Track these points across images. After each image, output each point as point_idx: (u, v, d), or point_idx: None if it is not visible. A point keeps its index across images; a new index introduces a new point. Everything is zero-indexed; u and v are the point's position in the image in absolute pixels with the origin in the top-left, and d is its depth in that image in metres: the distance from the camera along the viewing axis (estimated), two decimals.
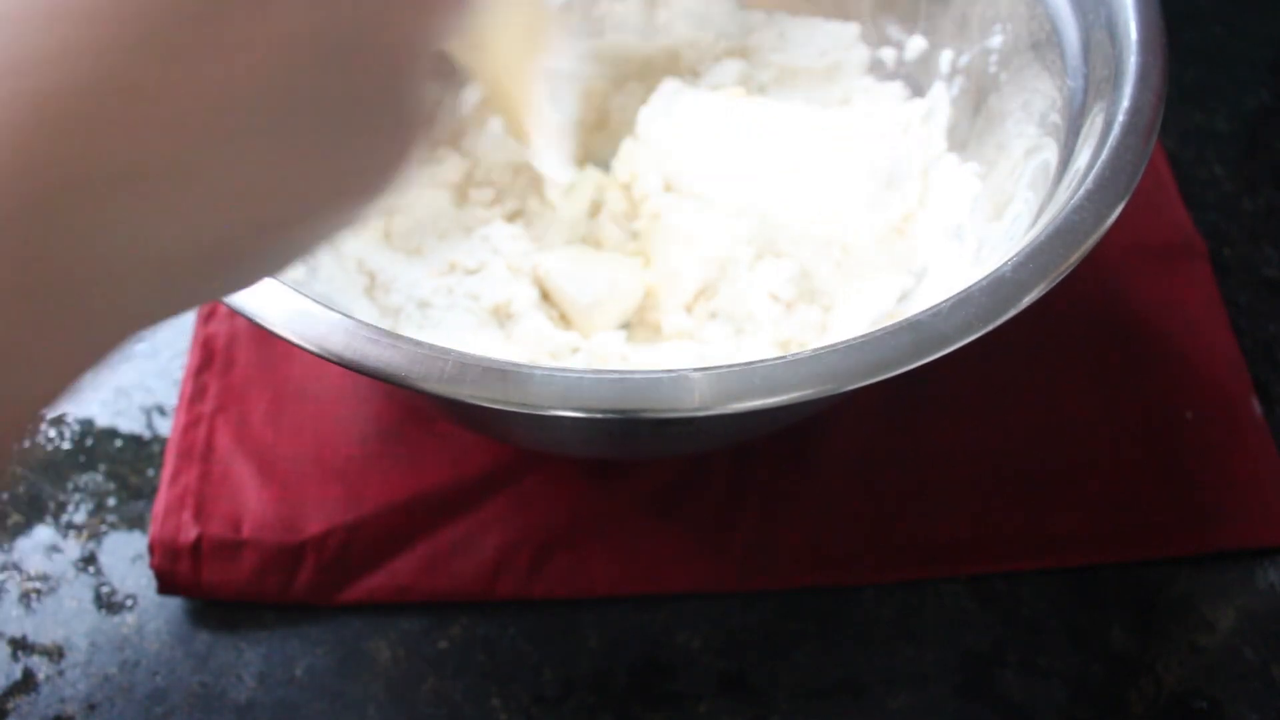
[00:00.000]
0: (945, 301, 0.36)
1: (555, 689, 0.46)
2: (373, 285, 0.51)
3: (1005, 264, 0.37)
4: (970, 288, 0.36)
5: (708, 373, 0.34)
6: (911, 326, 0.35)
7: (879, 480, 0.50)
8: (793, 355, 0.35)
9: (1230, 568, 0.49)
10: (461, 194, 0.56)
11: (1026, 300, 0.36)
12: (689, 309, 0.52)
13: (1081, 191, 0.38)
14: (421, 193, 0.55)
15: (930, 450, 0.51)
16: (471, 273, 0.52)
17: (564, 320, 0.52)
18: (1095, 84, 0.43)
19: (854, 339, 0.35)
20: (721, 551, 0.48)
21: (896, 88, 0.57)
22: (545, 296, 0.52)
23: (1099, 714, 0.45)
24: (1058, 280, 0.36)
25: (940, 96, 0.55)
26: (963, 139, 0.54)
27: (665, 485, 0.50)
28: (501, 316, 0.51)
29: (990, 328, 0.35)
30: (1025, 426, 0.52)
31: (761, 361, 0.34)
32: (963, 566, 0.49)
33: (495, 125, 0.56)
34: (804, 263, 0.52)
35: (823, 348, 0.35)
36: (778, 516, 0.49)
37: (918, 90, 0.57)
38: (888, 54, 0.58)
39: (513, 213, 0.56)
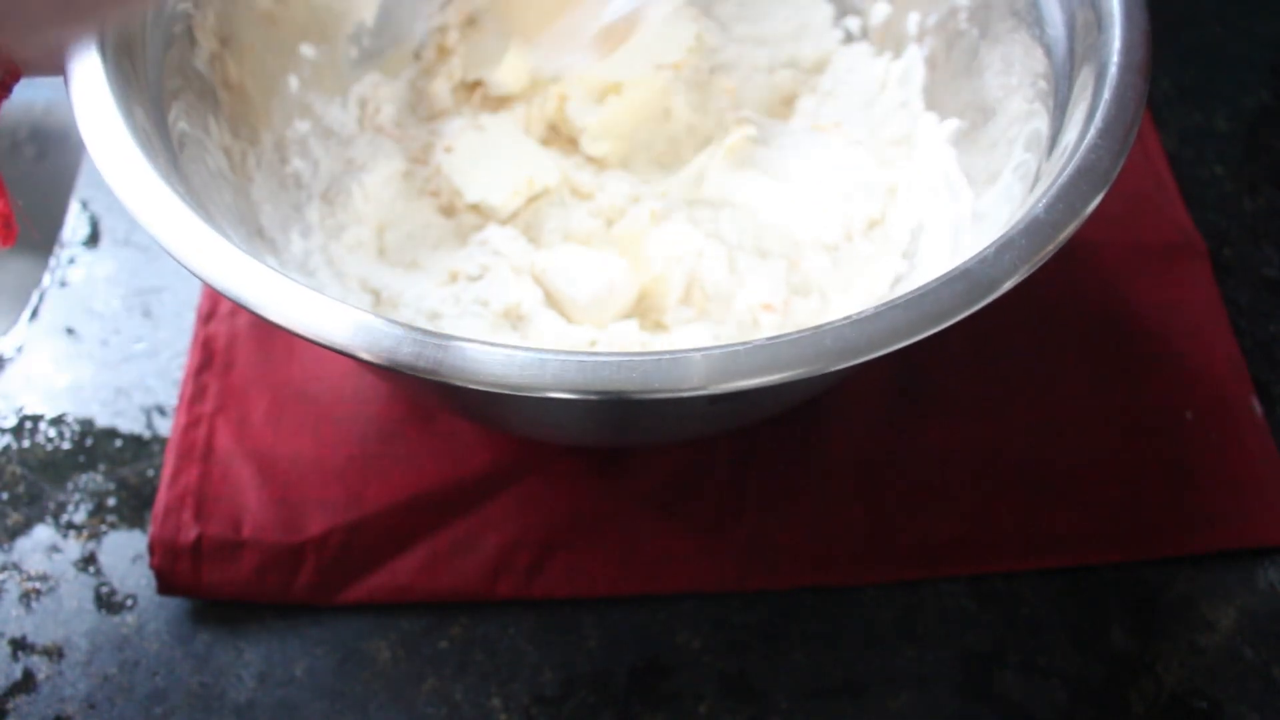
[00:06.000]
0: (988, 247, 0.37)
1: (555, 689, 0.46)
2: (379, 302, 0.51)
3: (1037, 205, 0.38)
4: (1009, 232, 0.37)
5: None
6: (963, 275, 0.36)
7: (879, 480, 0.50)
8: (865, 311, 0.35)
9: (1230, 568, 0.49)
10: (449, 210, 0.56)
11: (1063, 237, 0.37)
12: (686, 303, 0.52)
13: (1092, 131, 0.39)
14: (408, 204, 0.55)
15: (930, 450, 0.51)
16: (475, 279, 0.52)
17: (564, 319, 0.52)
18: (1080, 51, 0.44)
19: (907, 294, 0.36)
20: (721, 551, 0.48)
21: (864, 48, 0.58)
22: (548, 295, 0.52)
23: (1099, 714, 0.45)
24: (1087, 217, 0.37)
25: (914, 57, 0.56)
26: (941, 98, 0.54)
27: (665, 485, 0.50)
28: (513, 319, 0.51)
29: (1035, 267, 0.36)
30: (1025, 426, 0.52)
31: (830, 324, 0.35)
32: (963, 566, 0.49)
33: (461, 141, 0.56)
34: (792, 259, 0.53)
35: (887, 302, 0.35)
36: (778, 516, 0.49)
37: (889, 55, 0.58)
38: (853, 22, 0.59)
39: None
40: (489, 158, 0.55)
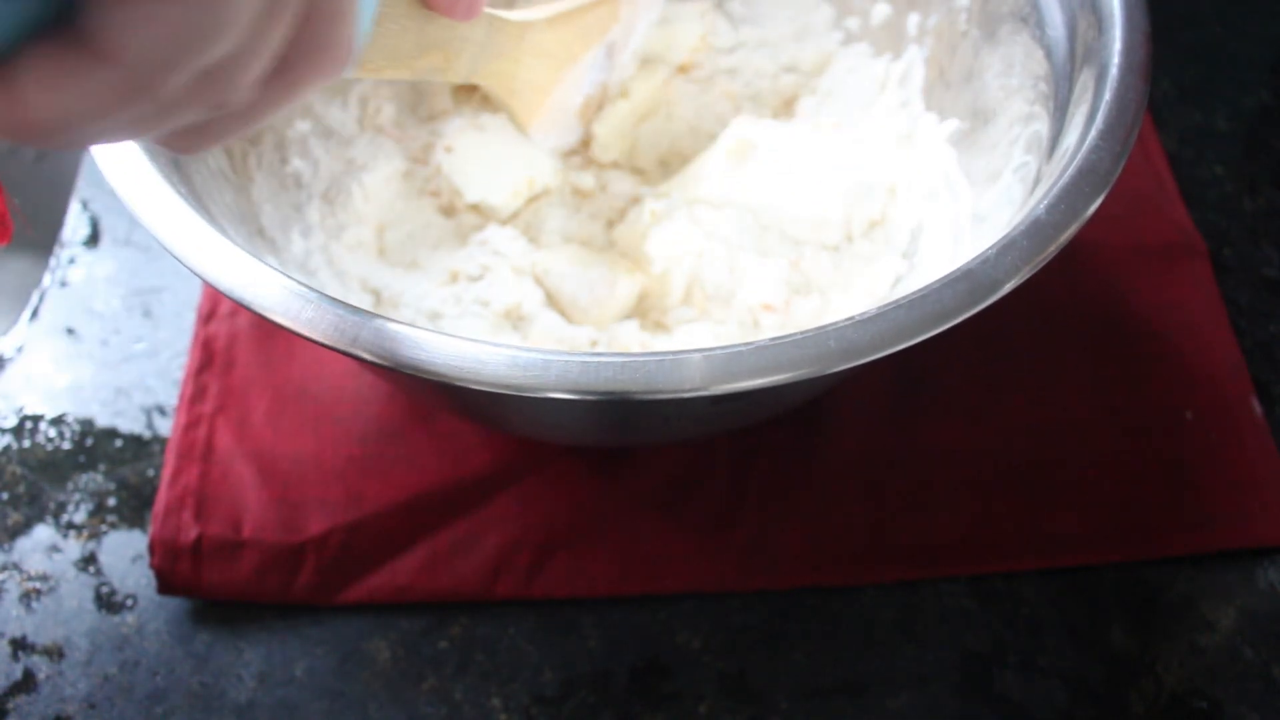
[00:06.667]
0: (990, 248, 0.37)
1: (555, 689, 0.46)
2: (379, 303, 0.51)
3: (1038, 207, 0.38)
4: (1010, 233, 0.37)
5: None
6: (965, 275, 0.36)
7: (879, 480, 0.50)
8: (868, 311, 0.35)
9: (1230, 568, 0.49)
10: (449, 210, 0.56)
11: (1064, 238, 0.37)
12: (686, 303, 0.52)
13: (1093, 133, 0.40)
14: (408, 204, 0.55)
15: (930, 450, 0.51)
16: (475, 279, 0.52)
17: (565, 319, 0.52)
18: (1081, 52, 0.44)
19: (909, 295, 0.36)
20: (722, 551, 0.48)
21: (864, 49, 0.58)
22: (548, 295, 0.52)
23: (1099, 714, 0.45)
24: (1088, 218, 0.38)
25: (914, 58, 0.56)
26: (942, 99, 0.54)
27: (665, 485, 0.50)
28: (514, 319, 0.51)
29: (1036, 268, 0.37)
30: (1025, 426, 0.52)
31: (835, 324, 0.35)
32: (963, 566, 0.49)
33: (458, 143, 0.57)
34: (792, 259, 0.53)
35: (890, 302, 0.36)
36: (778, 516, 0.49)
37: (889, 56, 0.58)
38: (853, 23, 0.59)
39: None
40: (489, 158, 0.55)
